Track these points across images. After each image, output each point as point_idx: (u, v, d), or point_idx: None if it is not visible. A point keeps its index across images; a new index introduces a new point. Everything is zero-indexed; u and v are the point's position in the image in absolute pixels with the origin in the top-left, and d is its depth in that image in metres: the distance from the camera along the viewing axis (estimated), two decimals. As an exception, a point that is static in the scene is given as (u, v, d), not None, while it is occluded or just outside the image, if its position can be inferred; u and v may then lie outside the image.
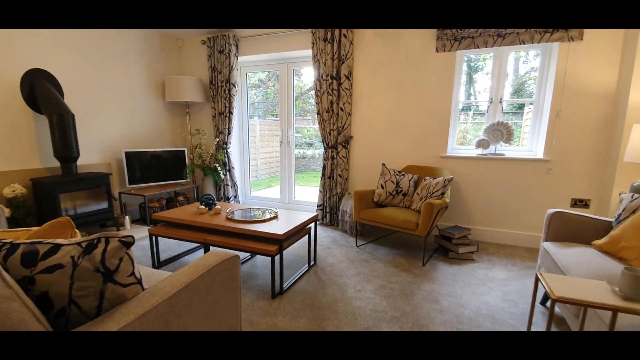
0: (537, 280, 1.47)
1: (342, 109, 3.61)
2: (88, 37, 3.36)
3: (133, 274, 0.95)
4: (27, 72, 2.89)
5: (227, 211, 2.58)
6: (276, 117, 4.53)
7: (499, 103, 3.25)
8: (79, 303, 0.85)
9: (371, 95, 3.60)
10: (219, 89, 4.19)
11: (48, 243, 0.87)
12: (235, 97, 4.15)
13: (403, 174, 3.20)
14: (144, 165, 3.80)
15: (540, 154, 3.12)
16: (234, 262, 1.26)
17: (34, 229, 0.98)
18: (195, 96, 4.14)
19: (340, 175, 3.75)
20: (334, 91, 3.58)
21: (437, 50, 3.21)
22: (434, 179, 2.97)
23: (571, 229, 2.13)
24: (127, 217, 3.46)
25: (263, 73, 5.79)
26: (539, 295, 2.21)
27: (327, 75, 3.56)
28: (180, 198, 4.11)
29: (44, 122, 3.06)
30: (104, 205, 3.32)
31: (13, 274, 0.84)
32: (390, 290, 2.29)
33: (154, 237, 2.49)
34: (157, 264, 2.59)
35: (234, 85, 4.11)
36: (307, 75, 5.21)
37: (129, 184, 3.67)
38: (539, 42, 2.90)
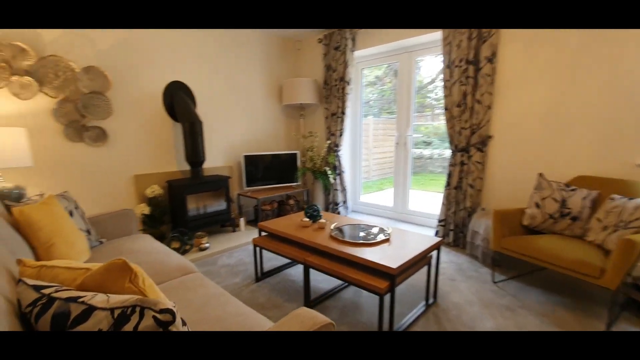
0: None
1: (478, 102, 2.84)
2: (218, 48, 3.59)
3: (180, 355, 0.67)
4: (168, 85, 3.25)
5: (332, 227, 2.27)
6: (391, 114, 4.06)
7: None
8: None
9: (523, 81, 2.71)
10: (333, 89, 3.96)
11: (83, 303, 0.67)
12: (349, 96, 3.84)
13: (573, 189, 2.26)
14: (259, 168, 3.90)
15: None
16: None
17: (95, 266, 0.82)
18: (309, 97, 4.02)
19: (471, 186, 2.99)
20: (469, 79, 2.84)
21: (644, 6, 2.12)
22: (629, 198, 1.97)
23: None
24: (242, 219, 3.58)
25: (380, 69, 5.35)
26: None
27: (460, 60, 2.85)
28: (291, 202, 4.08)
29: (180, 130, 3.40)
30: (224, 206, 3.51)
31: (46, 338, 0.66)
32: (557, 369, 1.53)
33: (257, 249, 2.39)
34: (261, 274, 2.49)
35: (348, 83, 3.80)
36: (425, 69, 4.54)
37: (246, 186, 3.82)
38: None
